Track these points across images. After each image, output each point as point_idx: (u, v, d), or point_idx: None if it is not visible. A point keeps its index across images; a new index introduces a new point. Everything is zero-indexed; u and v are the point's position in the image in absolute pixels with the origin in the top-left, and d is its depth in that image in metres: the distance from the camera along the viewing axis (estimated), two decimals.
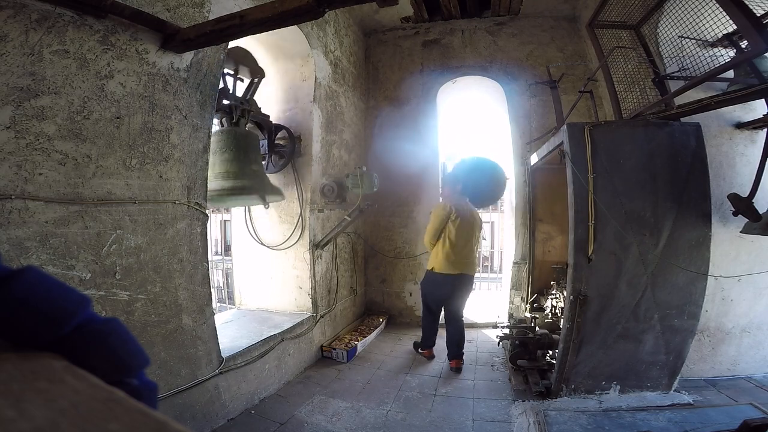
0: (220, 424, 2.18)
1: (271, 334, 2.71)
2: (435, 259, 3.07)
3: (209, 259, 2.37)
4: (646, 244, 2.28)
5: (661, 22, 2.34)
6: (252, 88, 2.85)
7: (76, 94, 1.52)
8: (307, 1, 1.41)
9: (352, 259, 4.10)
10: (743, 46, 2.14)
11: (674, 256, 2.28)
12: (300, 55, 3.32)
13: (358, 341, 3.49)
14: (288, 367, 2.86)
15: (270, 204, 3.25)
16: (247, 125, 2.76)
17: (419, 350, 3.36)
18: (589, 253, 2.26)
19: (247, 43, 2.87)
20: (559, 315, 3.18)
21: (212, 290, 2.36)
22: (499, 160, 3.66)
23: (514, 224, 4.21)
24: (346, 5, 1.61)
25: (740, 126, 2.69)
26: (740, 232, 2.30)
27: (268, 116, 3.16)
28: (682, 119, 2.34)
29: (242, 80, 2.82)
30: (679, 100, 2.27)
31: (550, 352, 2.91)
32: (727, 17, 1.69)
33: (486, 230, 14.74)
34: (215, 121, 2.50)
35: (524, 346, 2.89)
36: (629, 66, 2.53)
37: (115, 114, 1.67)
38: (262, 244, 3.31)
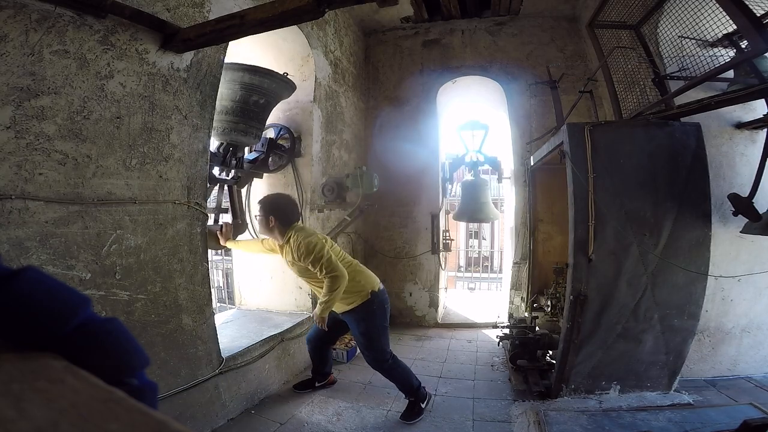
0: (220, 424, 2.18)
1: (271, 334, 2.71)
2: (369, 276, 2.34)
3: (209, 259, 2.37)
4: (646, 244, 2.27)
5: (661, 22, 2.34)
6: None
7: (76, 94, 1.52)
8: (307, 1, 1.41)
9: None
10: (743, 46, 2.14)
11: (674, 256, 2.28)
12: (300, 55, 3.32)
13: None
14: (288, 367, 2.86)
15: None
16: None
17: (424, 405, 2.37)
18: (589, 253, 2.26)
19: (247, 43, 2.88)
20: (559, 315, 3.18)
21: (212, 290, 2.36)
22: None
23: (514, 224, 4.21)
24: (346, 5, 1.62)
25: (740, 126, 2.69)
26: (740, 232, 2.30)
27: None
28: (682, 119, 2.34)
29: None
30: (679, 100, 2.27)
31: (550, 352, 2.91)
32: (727, 17, 1.69)
33: (486, 230, 14.74)
34: None
35: (524, 346, 2.89)
36: (629, 66, 2.53)
37: (115, 114, 1.67)
38: None
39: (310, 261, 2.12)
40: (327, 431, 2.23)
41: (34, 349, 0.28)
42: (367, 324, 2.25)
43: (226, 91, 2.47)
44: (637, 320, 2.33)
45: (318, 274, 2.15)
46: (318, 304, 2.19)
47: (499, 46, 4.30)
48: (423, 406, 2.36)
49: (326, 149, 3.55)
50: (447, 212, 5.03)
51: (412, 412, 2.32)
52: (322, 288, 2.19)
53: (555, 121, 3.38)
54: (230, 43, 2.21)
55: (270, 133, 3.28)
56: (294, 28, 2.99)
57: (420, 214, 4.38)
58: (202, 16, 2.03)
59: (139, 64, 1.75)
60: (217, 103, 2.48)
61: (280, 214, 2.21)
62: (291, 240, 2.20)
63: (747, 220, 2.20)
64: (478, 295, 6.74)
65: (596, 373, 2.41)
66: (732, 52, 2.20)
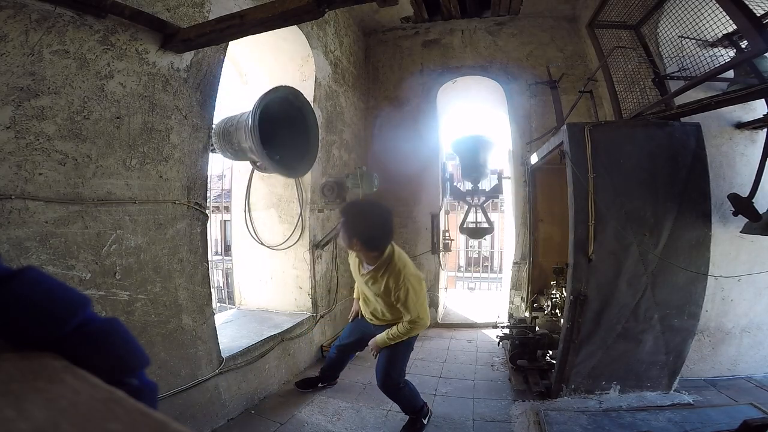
0: (220, 424, 2.18)
1: (271, 334, 2.71)
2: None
3: (209, 259, 2.36)
4: (646, 244, 2.27)
5: (661, 22, 2.34)
6: None
7: (76, 94, 1.52)
8: (307, 1, 1.41)
9: None
10: (743, 46, 2.14)
11: (674, 256, 2.28)
12: (300, 55, 3.32)
13: None
14: (288, 367, 2.86)
15: (269, 204, 3.28)
16: None
17: (426, 421, 2.31)
18: (589, 253, 2.26)
19: (247, 43, 2.87)
20: (559, 315, 3.18)
21: (212, 290, 2.36)
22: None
23: (514, 224, 4.21)
24: (346, 5, 1.62)
25: (740, 126, 2.69)
26: (740, 232, 2.30)
27: None
28: (682, 119, 2.34)
29: None
30: (679, 100, 2.27)
31: (550, 352, 2.91)
32: (727, 17, 1.69)
33: None
34: None
35: (524, 346, 2.89)
36: (629, 66, 2.53)
37: (115, 114, 1.67)
38: (262, 244, 3.31)
39: (409, 309, 1.98)
40: (327, 431, 2.23)
41: (34, 349, 0.28)
42: (399, 341, 2.19)
43: (243, 126, 2.21)
44: (637, 320, 2.33)
45: (404, 312, 2.04)
46: (386, 336, 2.12)
47: (499, 46, 4.30)
48: (425, 422, 2.29)
49: (326, 149, 3.55)
50: (447, 212, 5.03)
51: (414, 429, 2.26)
52: (389, 310, 2.15)
53: (555, 121, 3.38)
54: (230, 43, 2.21)
55: None
56: (294, 28, 2.99)
57: (420, 214, 4.38)
58: (202, 16, 2.03)
59: (139, 64, 1.75)
60: (236, 117, 2.27)
61: (368, 240, 1.88)
62: (387, 275, 1.99)
63: (747, 220, 2.20)
64: (478, 295, 6.74)
65: (596, 373, 2.41)
66: (732, 52, 2.20)
